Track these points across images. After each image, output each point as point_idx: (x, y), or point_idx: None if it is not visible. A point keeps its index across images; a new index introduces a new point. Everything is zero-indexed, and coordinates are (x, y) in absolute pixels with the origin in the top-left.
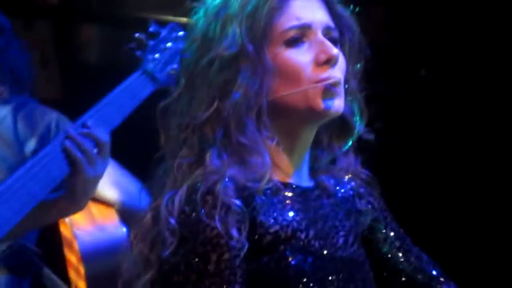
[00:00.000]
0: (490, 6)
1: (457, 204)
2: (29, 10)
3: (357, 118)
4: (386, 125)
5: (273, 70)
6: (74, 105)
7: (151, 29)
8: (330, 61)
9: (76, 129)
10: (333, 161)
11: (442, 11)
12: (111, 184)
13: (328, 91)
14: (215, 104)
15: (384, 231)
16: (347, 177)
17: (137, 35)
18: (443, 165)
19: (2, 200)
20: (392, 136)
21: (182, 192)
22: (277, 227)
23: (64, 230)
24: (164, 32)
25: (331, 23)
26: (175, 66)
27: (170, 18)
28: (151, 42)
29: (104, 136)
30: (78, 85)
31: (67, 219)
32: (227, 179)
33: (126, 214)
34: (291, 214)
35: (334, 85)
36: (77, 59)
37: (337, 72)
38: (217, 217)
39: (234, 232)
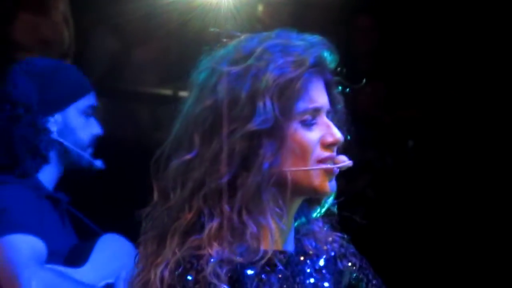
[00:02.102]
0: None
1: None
2: None
3: None
4: (377, 192)
5: (289, 146)
6: None
7: None
8: (335, 144)
9: None
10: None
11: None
12: None
13: (331, 173)
14: (236, 172)
15: (364, 286)
16: (331, 239)
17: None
18: (429, 232)
19: None
20: (382, 202)
21: (174, 266)
22: None
23: None
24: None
25: (329, 106)
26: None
27: (169, 92)
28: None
29: None
30: None
31: None
32: (218, 259)
33: None
34: (265, 282)
35: (341, 168)
36: None
37: (344, 157)
38: None
39: None
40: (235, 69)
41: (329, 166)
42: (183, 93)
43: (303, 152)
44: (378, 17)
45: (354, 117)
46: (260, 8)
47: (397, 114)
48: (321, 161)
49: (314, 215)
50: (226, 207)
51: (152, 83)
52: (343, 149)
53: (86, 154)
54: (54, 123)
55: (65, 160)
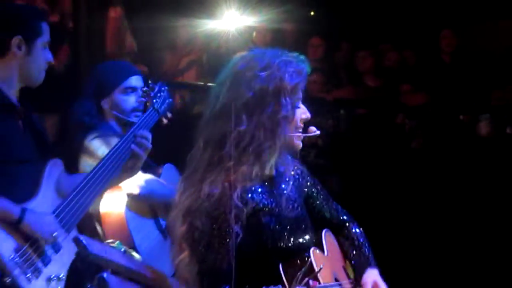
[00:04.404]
0: None
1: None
2: None
3: None
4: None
5: (291, 118)
6: None
7: (151, 85)
8: (307, 120)
9: (138, 135)
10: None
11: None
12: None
13: (302, 138)
14: (261, 134)
15: (316, 195)
16: (296, 168)
17: (145, 88)
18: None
19: (96, 178)
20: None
21: (213, 185)
22: (254, 204)
23: None
24: (157, 87)
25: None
26: (165, 105)
27: (201, 83)
28: (152, 93)
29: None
30: None
31: None
32: (239, 187)
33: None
34: (262, 196)
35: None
36: None
37: (314, 128)
38: (228, 211)
39: (236, 220)
40: (263, 73)
41: (308, 134)
42: (210, 84)
43: (294, 124)
44: (323, 39)
45: (309, 97)
46: (253, 34)
47: (333, 94)
48: (298, 128)
49: None
50: (254, 157)
51: (192, 77)
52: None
53: (130, 116)
54: (106, 102)
55: (120, 121)
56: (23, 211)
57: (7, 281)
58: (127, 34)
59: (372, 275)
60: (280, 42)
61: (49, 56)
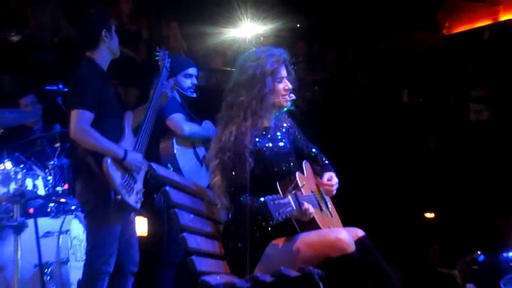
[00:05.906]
0: None
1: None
2: None
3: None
4: (307, 107)
5: (274, 92)
6: None
7: (160, 51)
8: (289, 89)
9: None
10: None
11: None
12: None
13: (288, 100)
14: (253, 101)
15: (299, 138)
16: (287, 121)
17: (158, 53)
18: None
19: (148, 118)
20: (307, 111)
21: (236, 132)
22: (259, 145)
23: None
24: (162, 52)
25: (287, 74)
26: (169, 64)
27: (228, 68)
28: (161, 56)
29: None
30: None
31: None
32: (250, 133)
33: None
34: (264, 139)
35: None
36: None
37: (292, 94)
38: (245, 149)
39: (248, 155)
40: (254, 64)
41: (286, 98)
42: (232, 69)
43: (278, 93)
44: (307, 43)
45: (297, 78)
46: (261, 38)
47: (312, 76)
48: (283, 95)
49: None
50: (251, 114)
51: (220, 64)
52: (296, 89)
53: (187, 92)
54: (172, 81)
55: (179, 94)
56: (126, 152)
57: (119, 197)
58: (181, 38)
59: (329, 172)
60: (278, 44)
61: (116, 36)
